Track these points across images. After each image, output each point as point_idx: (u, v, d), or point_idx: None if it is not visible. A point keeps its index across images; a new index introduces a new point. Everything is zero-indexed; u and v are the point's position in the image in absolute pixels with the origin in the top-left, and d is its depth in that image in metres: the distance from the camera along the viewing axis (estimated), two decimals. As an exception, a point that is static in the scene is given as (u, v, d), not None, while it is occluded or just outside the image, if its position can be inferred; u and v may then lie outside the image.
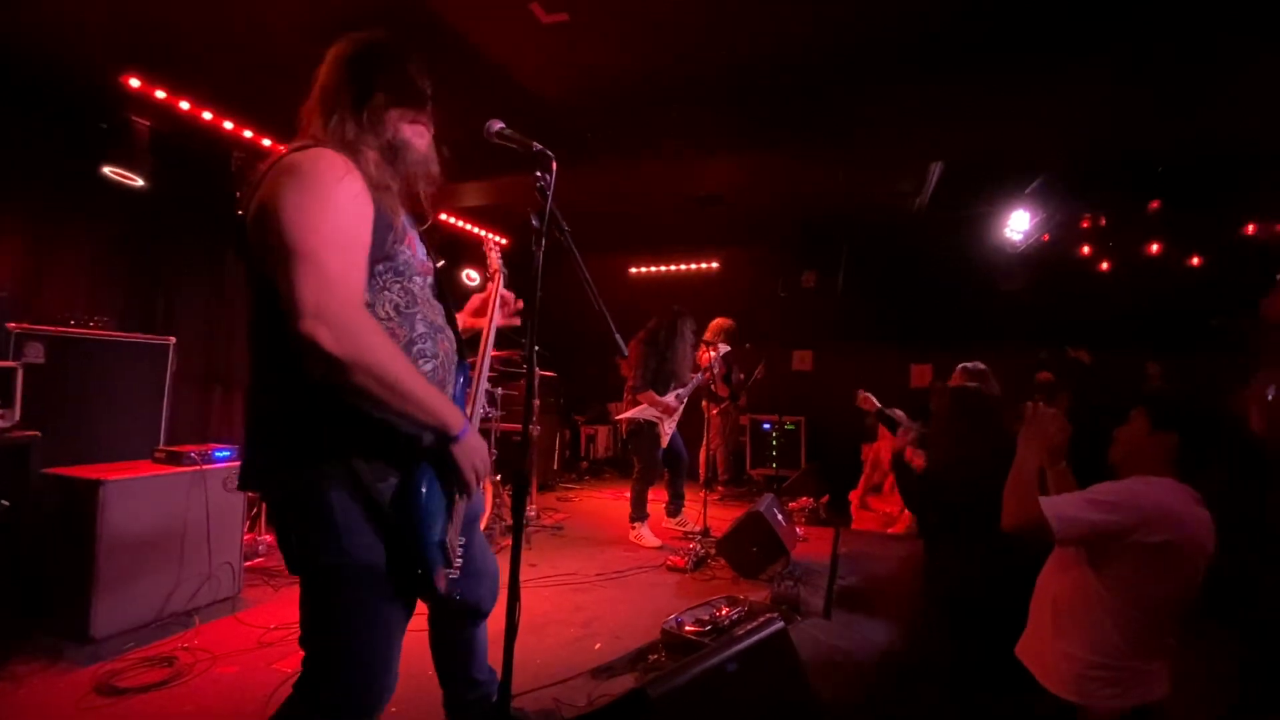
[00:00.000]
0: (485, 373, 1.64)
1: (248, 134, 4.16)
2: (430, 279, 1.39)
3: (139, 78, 3.57)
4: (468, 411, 1.47)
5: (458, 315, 1.59)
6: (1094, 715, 1.52)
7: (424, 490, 1.19)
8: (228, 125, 4.05)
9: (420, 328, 1.29)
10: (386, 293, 1.24)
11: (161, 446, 2.96)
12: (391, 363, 1.11)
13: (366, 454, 1.17)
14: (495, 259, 1.87)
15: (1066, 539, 1.54)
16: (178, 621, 2.68)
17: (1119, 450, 1.69)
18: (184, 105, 3.80)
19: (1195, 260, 5.63)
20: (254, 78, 3.61)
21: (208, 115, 3.93)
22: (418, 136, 1.35)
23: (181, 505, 2.73)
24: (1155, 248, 5.63)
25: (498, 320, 1.75)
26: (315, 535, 1.16)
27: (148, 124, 3.75)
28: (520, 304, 1.82)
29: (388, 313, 1.23)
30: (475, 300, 1.80)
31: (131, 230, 4.04)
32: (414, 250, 1.33)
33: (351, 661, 1.20)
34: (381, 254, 1.21)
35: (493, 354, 1.73)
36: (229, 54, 3.42)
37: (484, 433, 1.45)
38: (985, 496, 2.02)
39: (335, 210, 1.11)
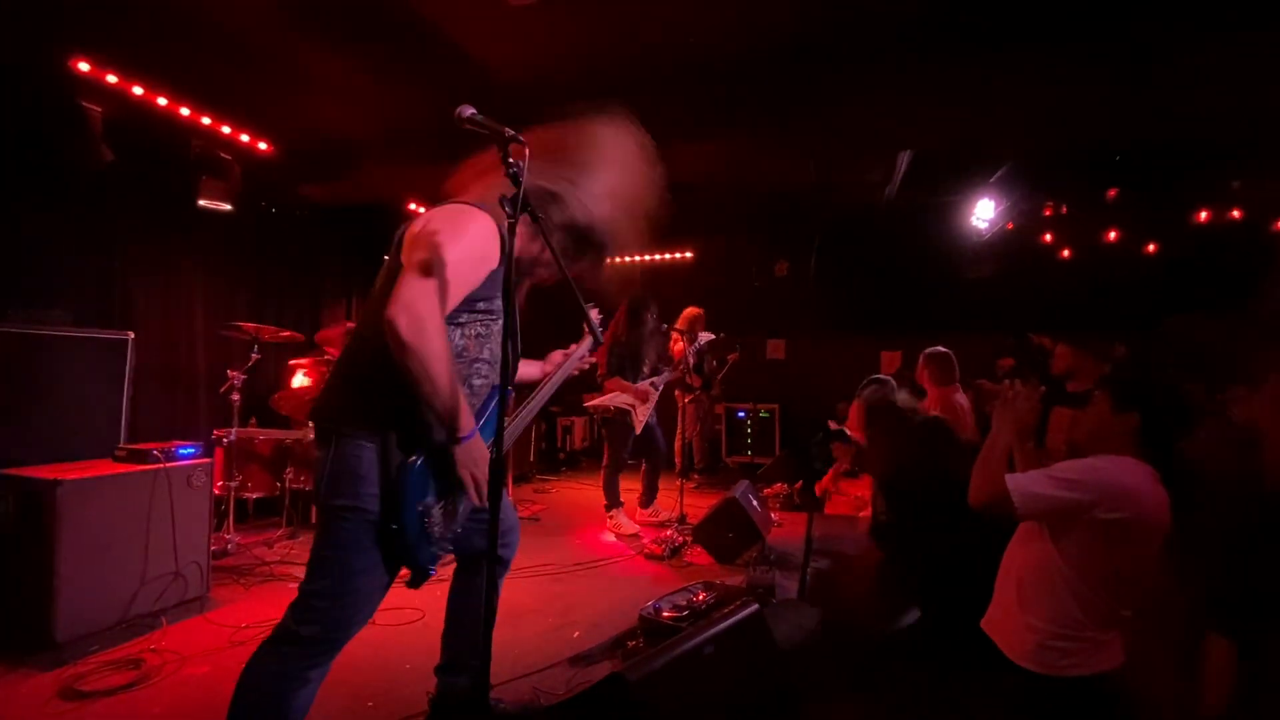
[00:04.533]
0: (534, 410, 1.94)
1: (206, 120, 4.03)
2: (511, 320, 1.63)
3: (89, 61, 3.42)
4: (502, 428, 1.66)
5: (537, 363, 2.07)
6: (1054, 685, 1.58)
7: (416, 465, 1.45)
8: (184, 111, 3.91)
9: (485, 354, 1.62)
10: (477, 323, 1.58)
11: (122, 445, 2.87)
12: (437, 361, 1.38)
13: (398, 430, 1.46)
14: (593, 321, 2.04)
15: (1028, 514, 1.60)
16: (144, 623, 2.61)
17: (1082, 431, 1.75)
18: (137, 90, 3.66)
19: (1151, 247, 5.83)
20: (210, 62, 3.49)
21: (163, 101, 3.79)
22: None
23: (145, 504, 2.65)
24: (1113, 235, 5.81)
25: (568, 371, 2.07)
26: (339, 479, 1.45)
27: (100, 110, 3.59)
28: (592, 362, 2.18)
29: (470, 334, 1.57)
30: (557, 355, 2.11)
31: (87, 221, 3.89)
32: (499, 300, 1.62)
33: (333, 584, 1.46)
34: (483, 296, 1.54)
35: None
36: (183, 37, 3.30)
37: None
38: (919, 491, 2.11)
39: (462, 250, 1.43)
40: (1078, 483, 1.55)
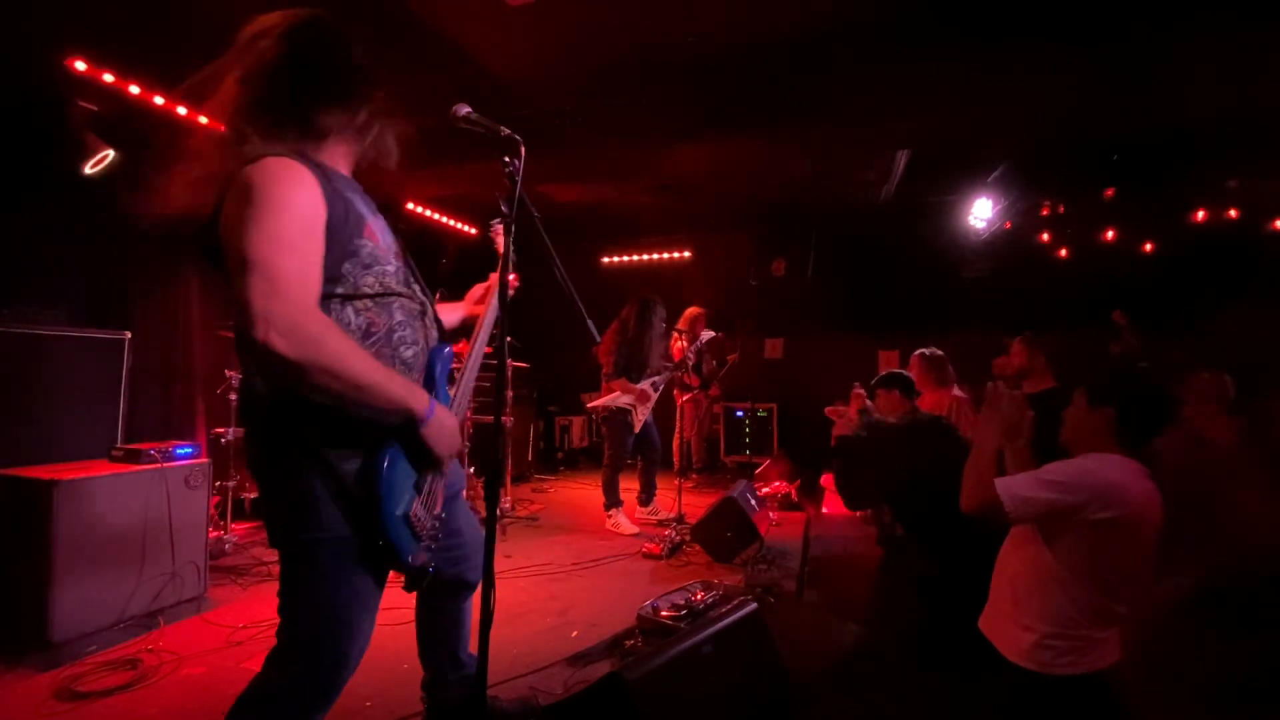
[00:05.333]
0: (478, 359, 1.67)
1: (203, 120, 4.02)
2: (402, 266, 1.42)
3: (85, 60, 3.41)
4: (453, 394, 1.52)
5: (459, 304, 1.76)
6: (1051, 683, 1.58)
7: (385, 470, 1.26)
8: (181, 110, 3.90)
9: (399, 315, 1.35)
10: (362, 285, 1.29)
11: (119, 445, 2.86)
12: (346, 359, 1.15)
13: (334, 439, 1.25)
14: (504, 243, 1.84)
15: (1020, 518, 1.59)
16: (141, 623, 2.61)
17: (1066, 431, 1.76)
18: (134, 89, 3.65)
19: (1148, 246, 5.85)
20: (209, 62, 3.48)
21: (159, 100, 3.78)
22: (376, 118, 1.39)
23: (141, 504, 2.64)
24: (1110, 234, 5.82)
25: (497, 309, 1.76)
26: (292, 513, 1.26)
27: (94, 108, 3.58)
28: (516, 285, 1.81)
29: (365, 304, 1.29)
30: (477, 289, 1.84)
31: (83, 220, 3.87)
32: (377, 240, 1.34)
33: (320, 625, 1.30)
34: (345, 250, 1.26)
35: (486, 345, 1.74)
36: (180, 35, 3.28)
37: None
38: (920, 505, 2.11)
39: (285, 218, 1.15)
40: (1067, 484, 1.55)
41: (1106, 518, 1.51)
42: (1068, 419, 1.75)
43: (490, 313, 1.75)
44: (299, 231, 1.17)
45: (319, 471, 1.24)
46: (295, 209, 1.17)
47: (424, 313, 1.44)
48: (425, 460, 1.32)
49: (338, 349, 1.14)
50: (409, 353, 1.36)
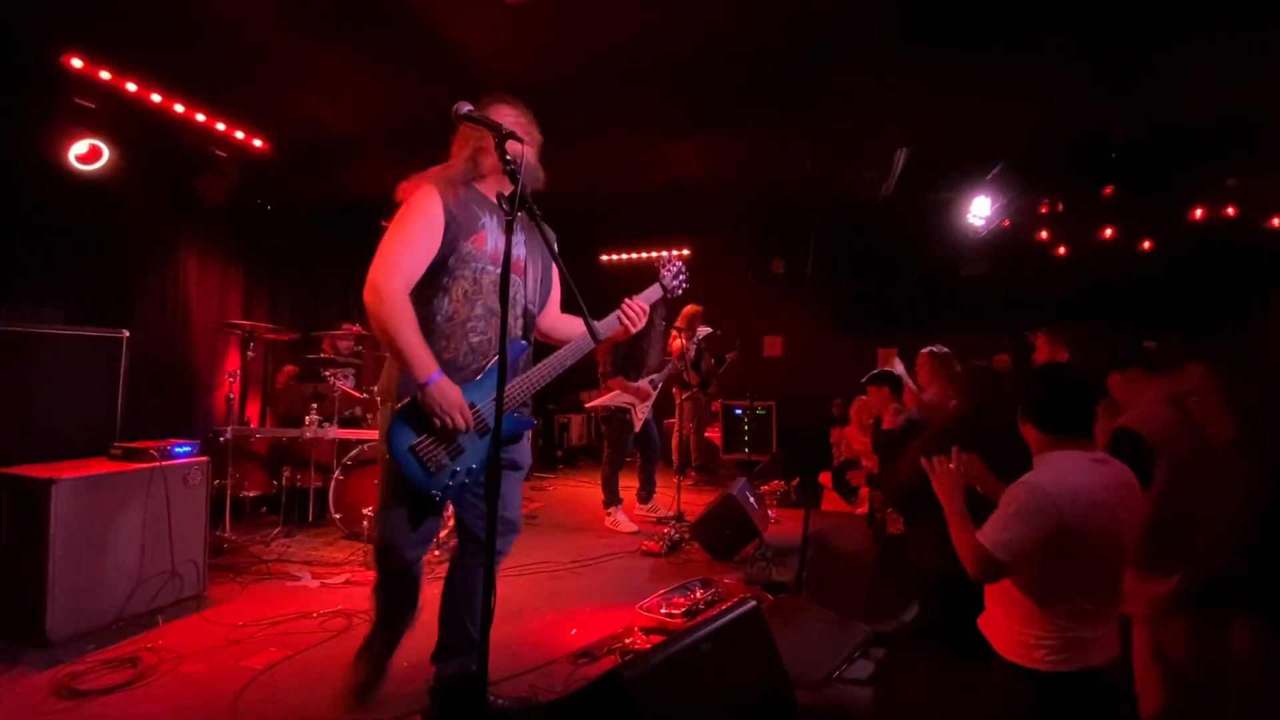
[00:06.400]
0: (553, 367, 1.91)
1: (200, 117, 4.01)
2: (518, 278, 1.89)
3: (82, 57, 3.40)
4: (515, 380, 1.85)
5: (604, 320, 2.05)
6: (1047, 680, 1.58)
7: (399, 415, 1.74)
8: (179, 108, 3.89)
9: (479, 310, 1.83)
10: (460, 280, 1.80)
11: (118, 443, 2.86)
12: (396, 323, 1.66)
13: (395, 388, 1.80)
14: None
15: (1014, 557, 1.54)
16: (140, 622, 2.60)
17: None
18: (131, 87, 3.64)
19: (1146, 244, 5.86)
20: (204, 58, 3.47)
21: (157, 98, 3.77)
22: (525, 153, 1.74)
23: (140, 503, 2.64)
24: (1108, 232, 5.84)
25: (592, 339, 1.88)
26: (382, 431, 1.84)
27: (93, 106, 3.57)
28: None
29: (457, 297, 1.80)
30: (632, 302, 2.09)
31: (81, 219, 3.87)
32: (482, 246, 1.82)
33: (380, 511, 1.95)
34: (452, 248, 1.77)
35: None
36: (177, 33, 3.28)
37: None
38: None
39: (407, 224, 1.74)
40: (1023, 506, 1.53)
41: (1074, 518, 1.50)
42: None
43: (578, 342, 1.93)
44: (414, 234, 1.72)
45: (388, 408, 1.79)
46: (419, 220, 1.73)
47: (507, 314, 1.66)
48: (429, 415, 1.69)
49: (395, 315, 1.66)
50: (476, 339, 1.82)
